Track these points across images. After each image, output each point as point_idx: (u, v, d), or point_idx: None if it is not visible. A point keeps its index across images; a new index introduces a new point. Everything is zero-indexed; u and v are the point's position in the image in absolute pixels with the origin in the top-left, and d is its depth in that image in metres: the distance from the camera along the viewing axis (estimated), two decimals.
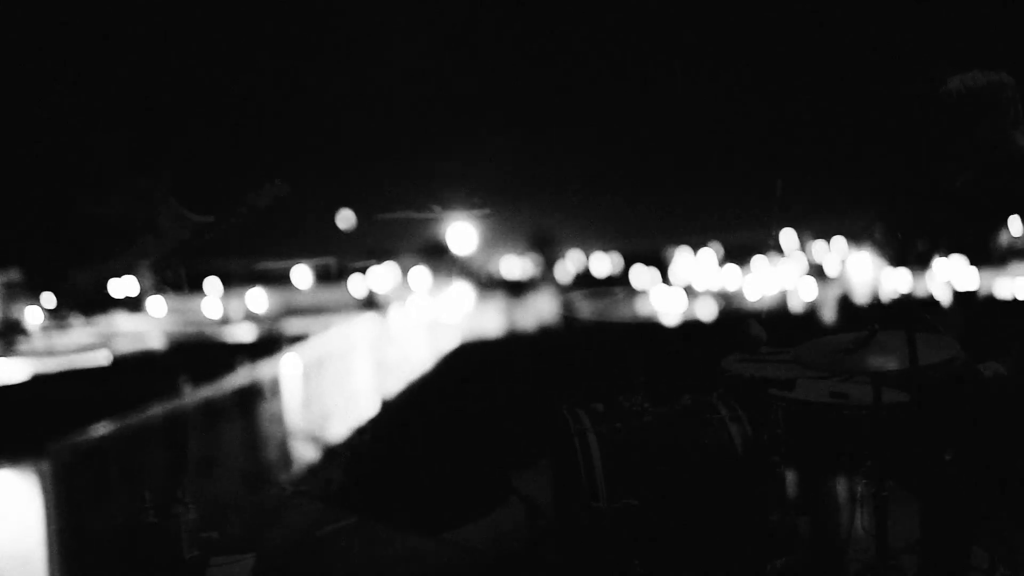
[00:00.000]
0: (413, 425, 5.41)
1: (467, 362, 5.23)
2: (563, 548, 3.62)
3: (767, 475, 3.43)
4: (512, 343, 5.32)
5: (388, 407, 5.42)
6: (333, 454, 5.97)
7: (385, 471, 5.45)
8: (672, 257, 5.46)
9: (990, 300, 3.04)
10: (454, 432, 5.18)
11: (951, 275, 3.07)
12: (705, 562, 3.34)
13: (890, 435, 3.07)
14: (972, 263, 3.08)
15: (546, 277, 6.19)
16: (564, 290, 4.27)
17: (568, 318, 3.96)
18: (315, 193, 6.84)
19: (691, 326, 3.77)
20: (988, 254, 3.09)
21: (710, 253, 5.12)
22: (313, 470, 5.56)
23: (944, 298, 3.08)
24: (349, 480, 5.43)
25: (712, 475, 3.47)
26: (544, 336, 5.15)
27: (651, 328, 3.68)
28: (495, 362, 5.46)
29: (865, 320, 3.37)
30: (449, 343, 5.29)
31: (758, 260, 4.31)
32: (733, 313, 4.12)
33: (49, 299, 6.54)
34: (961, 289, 3.07)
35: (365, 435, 6.01)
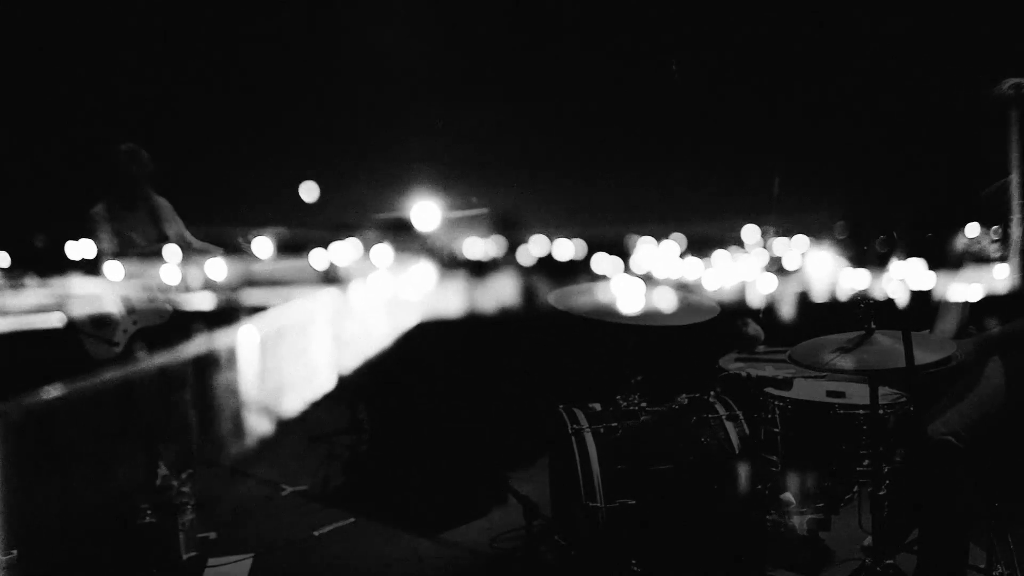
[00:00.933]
0: (411, 425, 5.40)
1: (423, 342, 5.22)
2: (560, 548, 3.62)
3: (764, 474, 3.45)
4: (471, 325, 5.32)
5: (386, 406, 5.40)
6: (331, 454, 5.97)
7: (383, 471, 5.44)
8: (634, 246, 5.50)
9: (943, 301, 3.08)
10: (452, 432, 5.18)
11: (907, 276, 3.10)
12: (702, 561, 3.35)
13: (888, 432, 3.11)
14: (930, 267, 3.12)
15: (509, 259, 6.20)
16: (555, 283, 4.25)
17: (564, 313, 3.94)
18: (279, 164, 6.80)
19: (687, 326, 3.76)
20: (945, 257, 3.13)
21: (672, 244, 5.17)
22: (311, 469, 5.57)
23: (900, 298, 3.10)
24: (347, 480, 5.42)
25: (709, 474, 3.47)
26: (552, 332, 5.15)
27: (647, 327, 3.66)
28: (496, 357, 5.47)
29: (820, 316, 3.41)
30: (408, 321, 5.28)
31: (719, 253, 4.35)
32: (730, 313, 4.13)
33: (4, 258, 6.42)
34: (916, 289, 3.10)
35: (364, 435, 6.01)
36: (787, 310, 3.34)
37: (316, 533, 4.28)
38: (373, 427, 5.82)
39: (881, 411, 3.02)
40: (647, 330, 3.66)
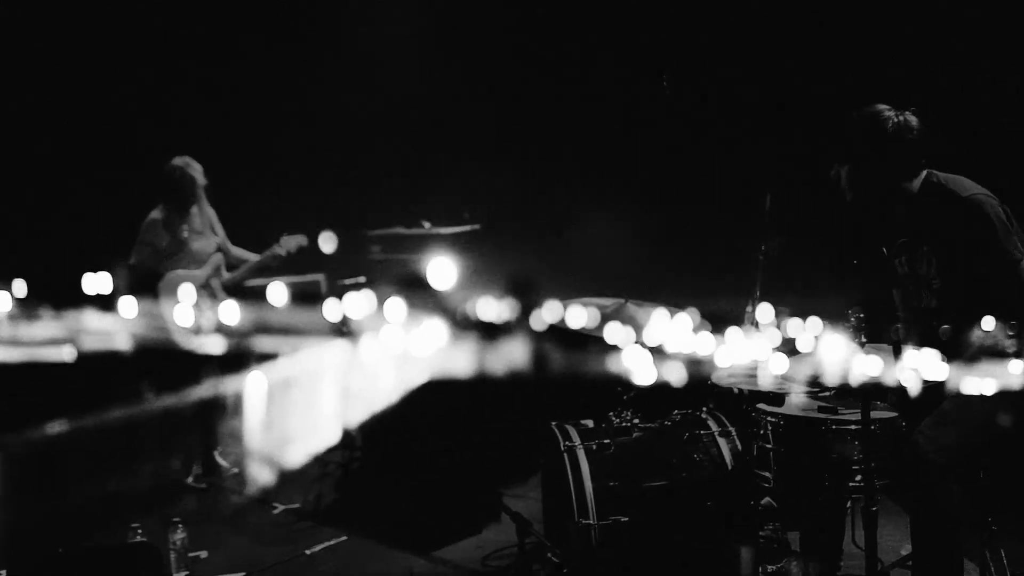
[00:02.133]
0: (403, 442, 5.40)
1: (436, 401, 5.22)
2: (553, 565, 3.60)
3: (757, 490, 3.43)
4: (481, 385, 5.32)
5: (378, 424, 5.40)
6: (324, 472, 5.95)
7: (375, 488, 5.42)
8: (647, 318, 5.49)
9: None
10: (444, 449, 5.18)
11: (920, 365, 3.12)
12: None
13: (879, 449, 3.10)
14: (944, 359, 3.13)
15: (521, 323, 6.21)
16: (538, 336, 4.28)
17: (559, 329, 3.96)
18: (299, 209, 6.86)
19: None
20: (959, 350, 3.14)
21: (685, 318, 5.15)
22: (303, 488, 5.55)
23: (912, 387, 3.13)
24: (339, 497, 5.41)
25: (702, 490, 3.47)
26: (544, 349, 5.15)
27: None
28: (470, 394, 5.46)
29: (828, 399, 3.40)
30: (418, 378, 5.29)
31: (733, 331, 4.34)
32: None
33: (20, 287, 6.48)
34: (929, 379, 3.13)
35: (356, 453, 5.99)
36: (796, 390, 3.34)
37: (308, 552, 4.29)
38: (365, 444, 5.81)
39: (873, 427, 3.02)
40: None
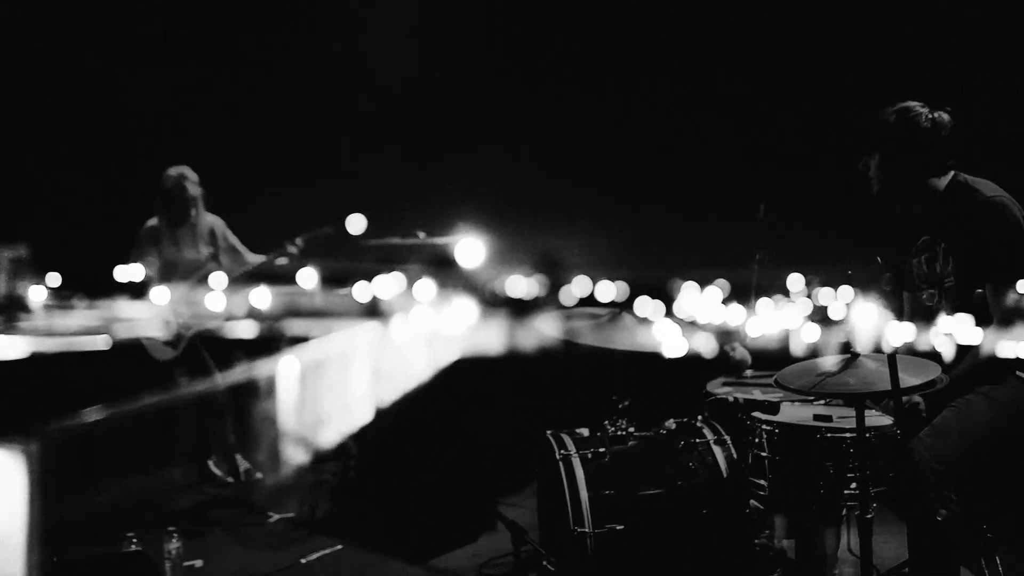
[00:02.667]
0: (399, 450, 5.40)
1: (461, 380, 5.22)
2: (549, 574, 3.60)
3: (752, 498, 3.43)
4: (509, 361, 5.32)
5: (374, 432, 5.40)
6: (319, 481, 5.95)
7: (370, 497, 5.44)
8: (678, 291, 5.47)
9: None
10: (440, 457, 5.17)
11: (955, 330, 3.08)
12: None
13: (875, 457, 3.08)
14: (977, 323, 3.10)
15: (550, 299, 6.19)
16: (565, 313, 4.27)
17: (562, 340, 3.96)
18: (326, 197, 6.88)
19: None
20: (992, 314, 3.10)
21: (715, 290, 5.13)
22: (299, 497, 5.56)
23: (947, 352, 3.10)
24: (334, 506, 5.43)
25: (697, 499, 3.46)
26: (540, 357, 5.16)
27: (638, 354, 3.68)
28: (484, 384, 5.46)
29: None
30: (448, 356, 5.29)
31: (763, 301, 4.31)
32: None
33: (54, 278, 6.54)
34: (964, 344, 3.09)
35: (351, 461, 6.00)
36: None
37: (303, 560, 4.28)
38: (360, 453, 5.81)
39: (868, 435, 2.99)
40: (635, 355, 3.67)
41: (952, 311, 3.19)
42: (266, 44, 7.16)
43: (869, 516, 2.87)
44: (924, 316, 3.32)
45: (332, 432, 6.04)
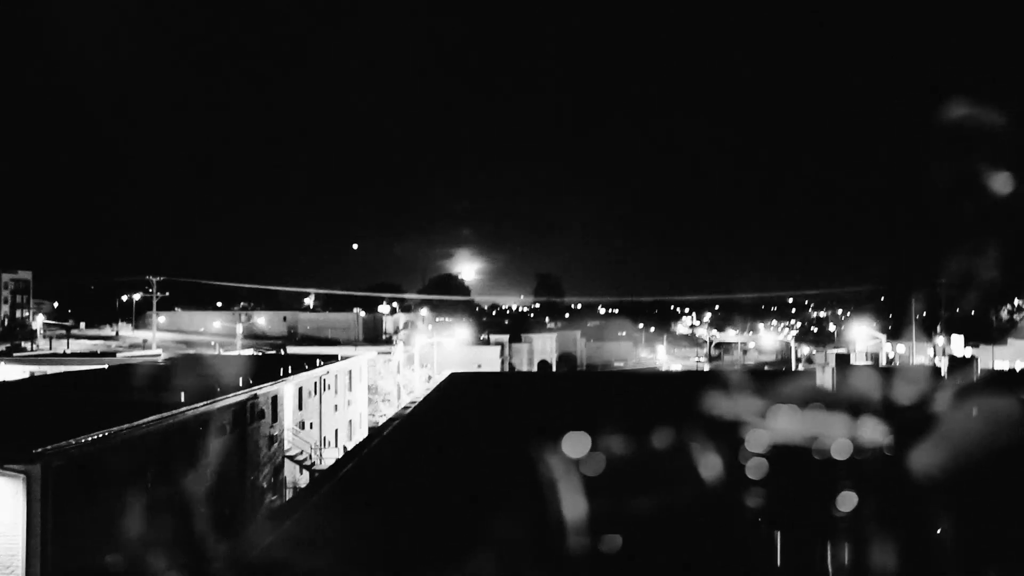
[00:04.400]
0: (390, 468, 5.43)
1: (456, 394, 5.27)
2: None
3: (747, 517, 3.44)
4: (505, 378, 5.38)
5: (364, 450, 5.42)
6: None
7: (361, 515, 5.46)
8: (677, 313, 5.52)
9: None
10: (430, 474, 5.20)
11: (950, 346, 3.14)
12: None
13: (867, 475, 3.10)
14: (968, 341, 3.15)
15: (548, 319, 6.26)
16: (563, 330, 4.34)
17: (565, 356, 4.04)
18: (329, 228, 6.98)
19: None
20: (988, 331, 3.14)
21: (711, 314, 5.18)
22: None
23: (942, 366, 3.15)
24: (320, 523, 5.44)
25: (692, 516, 3.49)
26: (539, 374, 5.22)
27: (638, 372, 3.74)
28: (478, 399, 5.52)
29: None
30: (442, 375, 5.35)
31: (760, 326, 4.37)
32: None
33: (55, 303, 6.59)
34: (957, 357, 3.14)
35: (342, 478, 6.01)
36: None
37: None
38: (346, 471, 5.82)
39: (860, 456, 3.02)
40: (634, 374, 3.72)
41: None
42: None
43: (865, 537, 2.88)
44: None
45: (330, 454, 6.05)
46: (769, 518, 3.28)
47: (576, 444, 3.73)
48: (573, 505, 3.43)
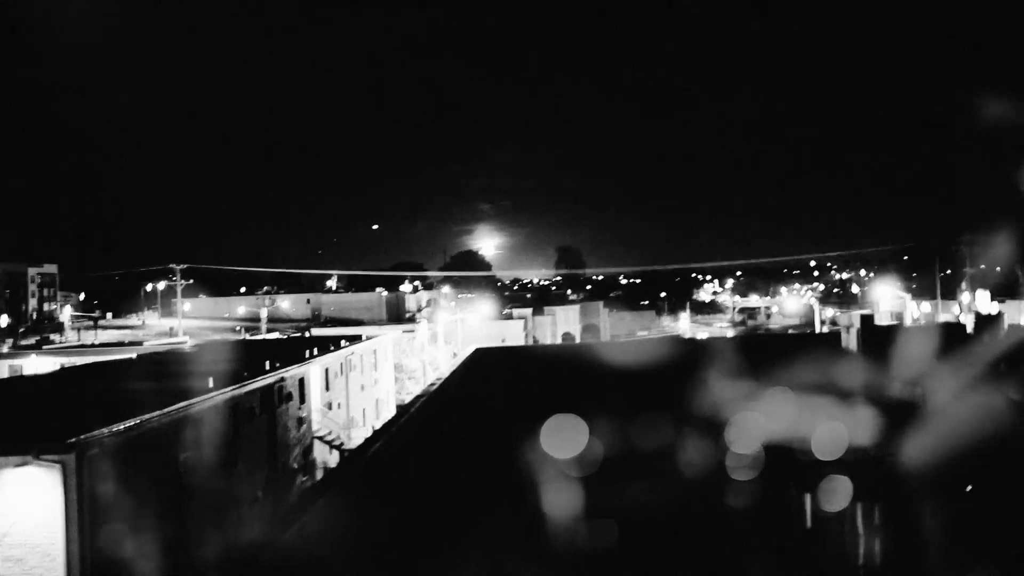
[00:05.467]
0: (415, 447, 5.42)
1: (481, 369, 5.27)
2: None
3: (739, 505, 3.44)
4: (529, 351, 5.38)
5: (392, 428, 5.43)
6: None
7: (387, 497, 5.47)
8: (699, 280, 5.51)
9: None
10: (453, 454, 5.20)
11: (975, 303, 3.14)
12: None
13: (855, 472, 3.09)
14: (994, 297, 3.14)
15: (569, 291, 6.26)
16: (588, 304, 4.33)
17: (588, 327, 4.03)
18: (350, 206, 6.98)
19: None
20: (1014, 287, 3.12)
21: (735, 280, 5.17)
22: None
23: (968, 322, 3.14)
24: (324, 525, 5.45)
25: (684, 496, 3.48)
26: (563, 345, 5.22)
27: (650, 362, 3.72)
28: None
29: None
30: (467, 351, 5.37)
31: (782, 288, 4.36)
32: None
33: (82, 295, 6.67)
34: (984, 313, 3.13)
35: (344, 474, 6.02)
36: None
37: None
38: (355, 469, 5.80)
39: (852, 457, 3.02)
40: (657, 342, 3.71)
41: None
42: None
43: (882, 537, 2.88)
44: None
45: (360, 433, 6.10)
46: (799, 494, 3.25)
47: (596, 424, 3.70)
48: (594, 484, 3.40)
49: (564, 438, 5.06)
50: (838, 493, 3.20)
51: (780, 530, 3.58)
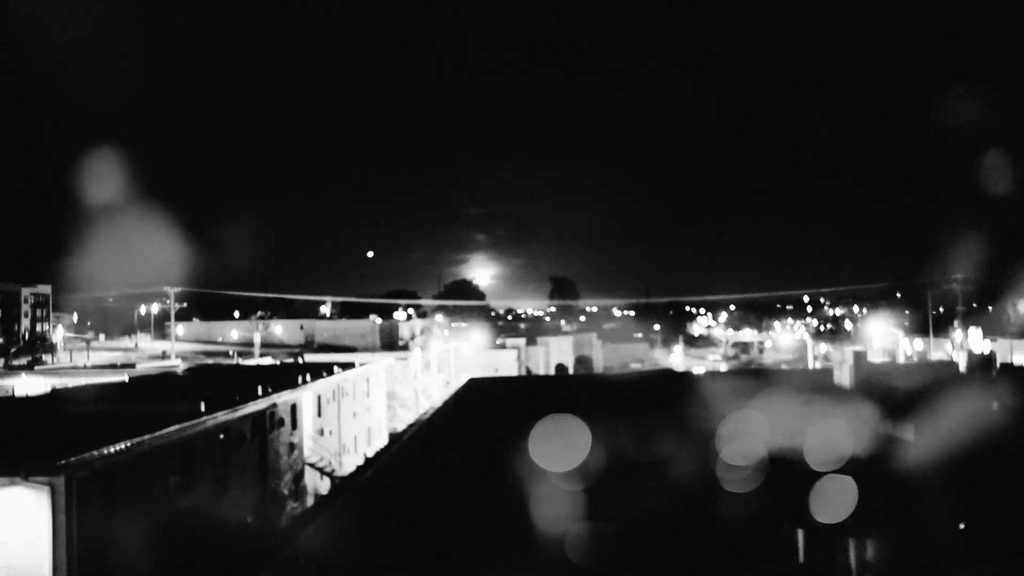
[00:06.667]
0: (408, 475, 5.42)
1: (474, 399, 5.28)
2: None
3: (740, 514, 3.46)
4: (523, 382, 5.39)
5: (384, 456, 5.43)
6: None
7: (380, 523, 5.46)
8: (693, 313, 5.53)
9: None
10: (447, 481, 5.20)
11: (968, 341, 3.17)
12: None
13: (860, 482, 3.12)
14: (986, 335, 3.17)
15: (563, 322, 6.28)
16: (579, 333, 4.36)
17: (581, 358, 4.06)
18: (342, 235, 7.02)
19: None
20: (1004, 326, 3.16)
21: (728, 313, 5.19)
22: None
23: (961, 361, 3.16)
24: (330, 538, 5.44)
25: (682, 494, 3.51)
26: (556, 377, 5.24)
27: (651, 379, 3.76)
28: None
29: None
30: (460, 380, 5.37)
31: (776, 324, 4.38)
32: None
33: (75, 316, 6.67)
34: (977, 352, 3.16)
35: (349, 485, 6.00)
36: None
37: None
38: (359, 484, 5.80)
39: (846, 464, 3.05)
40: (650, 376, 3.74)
41: None
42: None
43: (883, 554, 2.89)
44: None
45: (350, 461, 6.09)
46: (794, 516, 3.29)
47: (589, 451, 3.74)
48: (588, 509, 3.43)
49: (558, 471, 5.07)
50: (835, 509, 3.21)
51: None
